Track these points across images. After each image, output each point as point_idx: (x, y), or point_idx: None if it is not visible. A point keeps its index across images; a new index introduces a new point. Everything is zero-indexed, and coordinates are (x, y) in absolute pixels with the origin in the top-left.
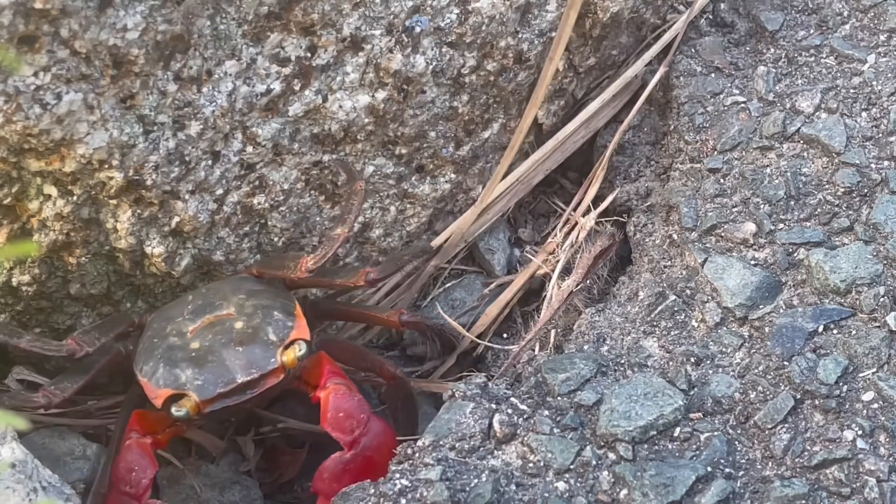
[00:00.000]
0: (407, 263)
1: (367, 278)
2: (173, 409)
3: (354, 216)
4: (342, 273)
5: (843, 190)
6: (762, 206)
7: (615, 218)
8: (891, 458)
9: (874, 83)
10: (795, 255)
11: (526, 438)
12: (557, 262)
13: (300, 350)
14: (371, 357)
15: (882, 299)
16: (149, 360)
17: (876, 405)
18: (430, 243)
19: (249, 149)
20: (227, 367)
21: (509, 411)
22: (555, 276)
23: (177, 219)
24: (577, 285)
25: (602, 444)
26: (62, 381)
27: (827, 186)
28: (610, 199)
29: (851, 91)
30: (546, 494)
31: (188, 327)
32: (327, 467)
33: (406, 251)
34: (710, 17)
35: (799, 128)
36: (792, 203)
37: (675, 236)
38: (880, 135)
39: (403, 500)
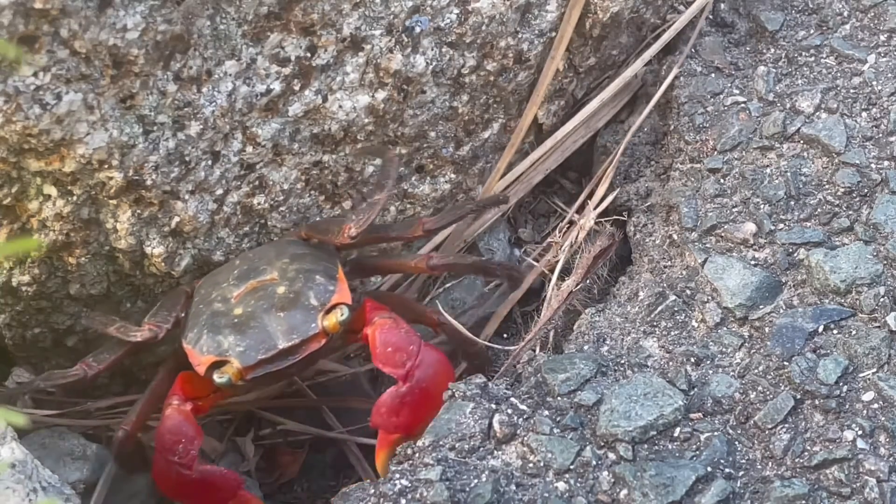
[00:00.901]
0: (466, 213)
1: (425, 228)
2: (216, 376)
3: (392, 181)
4: (397, 227)
5: (843, 190)
6: (762, 206)
7: (615, 218)
8: (891, 459)
9: (874, 83)
10: (795, 255)
11: (526, 438)
12: (557, 262)
13: (342, 315)
14: (415, 305)
15: (882, 299)
16: (194, 328)
17: (876, 405)
18: (501, 193)
19: (249, 149)
20: (269, 333)
21: (509, 411)
22: (555, 276)
23: (177, 219)
24: (577, 285)
25: (602, 444)
26: (101, 353)
27: (827, 186)
28: (610, 198)
29: (851, 91)
30: (546, 494)
31: (233, 293)
32: (384, 402)
33: (464, 202)
34: (711, 17)
35: (799, 128)
36: (792, 203)
37: (675, 236)
38: (880, 135)
39: (403, 500)
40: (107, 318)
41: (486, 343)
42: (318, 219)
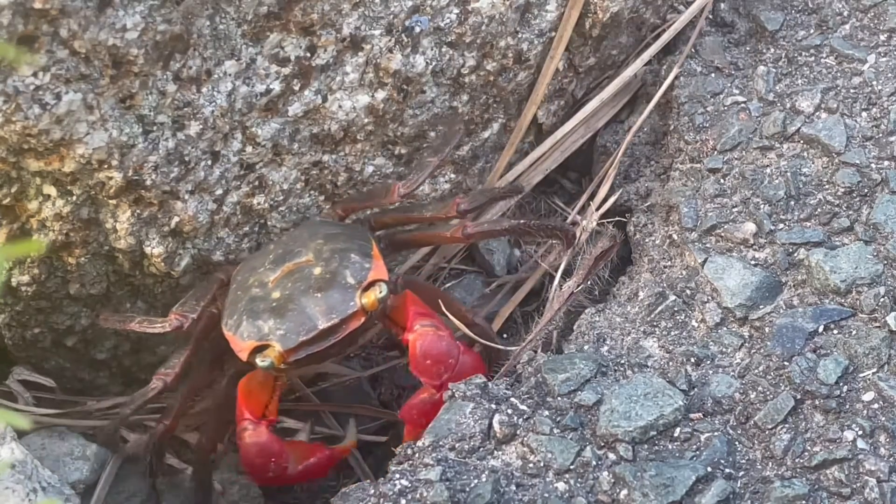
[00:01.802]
0: (499, 196)
1: (459, 209)
2: (258, 360)
3: (450, 148)
4: (431, 206)
5: (843, 190)
6: (762, 206)
7: (616, 219)
8: (891, 459)
9: (874, 83)
10: (795, 255)
11: (526, 439)
12: (559, 264)
13: (381, 292)
14: (452, 303)
15: (882, 299)
16: (233, 314)
17: (876, 405)
18: (521, 184)
19: (249, 149)
20: (308, 315)
21: (509, 411)
22: (557, 276)
23: (176, 219)
24: (579, 286)
25: (602, 444)
26: (170, 360)
27: (827, 186)
28: (612, 200)
29: (851, 91)
30: (546, 495)
31: (269, 277)
32: (416, 405)
33: (496, 187)
34: (710, 16)
35: (799, 128)
36: (792, 203)
37: (675, 236)
38: (880, 135)
39: (403, 501)
40: (123, 316)
41: (498, 346)
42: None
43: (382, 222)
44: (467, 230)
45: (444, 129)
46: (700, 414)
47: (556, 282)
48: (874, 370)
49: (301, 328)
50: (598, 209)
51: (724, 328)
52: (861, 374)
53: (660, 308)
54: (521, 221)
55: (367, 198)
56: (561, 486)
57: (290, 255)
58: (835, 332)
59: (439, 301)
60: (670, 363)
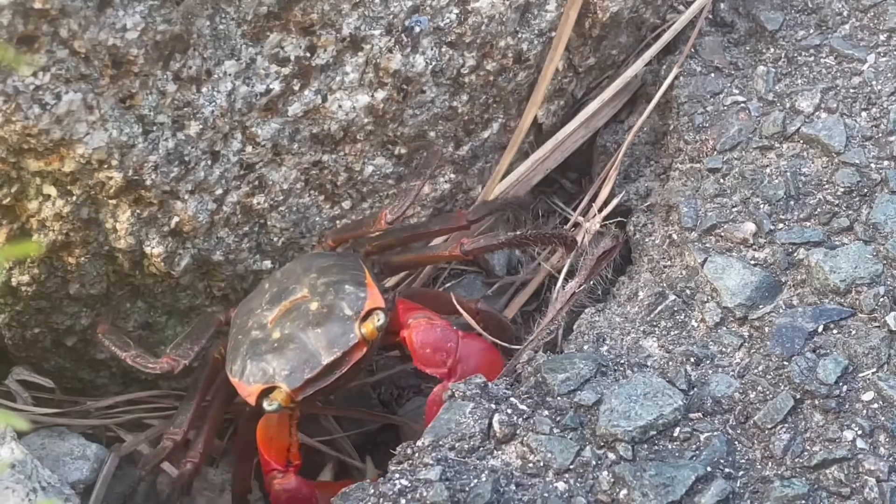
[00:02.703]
0: (503, 208)
1: (468, 219)
2: (265, 404)
3: (430, 170)
4: (437, 221)
5: (842, 190)
6: (762, 206)
7: (617, 219)
8: (891, 458)
9: (874, 83)
10: (795, 254)
11: (525, 438)
12: (562, 264)
13: (378, 320)
14: (449, 298)
15: (882, 299)
16: (236, 359)
17: (876, 405)
18: (523, 196)
19: (249, 149)
20: (311, 352)
21: (509, 411)
22: (561, 278)
23: (176, 219)
24: (581, 286)
25: (602, 444)
26: (177, 418)
27: (827, 186)
28: (615, 202)
29: (851, 91)
30: (546, 494)
31: (268, 318)
32: (435, 401)
33: (498, 199)
34: (710, 16)
35: (799, 127)
36: (792, 203)
37: (674, 236)
38: (880, 134)
39: (403, 500)
40: (122, 341)
41: (495, 342)
42: (338, 224)
43: (382, 246)
44: (465, 247)
45: (426, 154)
46: (700, 414)
47: (559, 283)
48: (874, 370)
49: (305, 366)
50: (600, 210)
51: (724, 328)
52: (861, 374)
53: (659, 308)
54: (518, 233)
55: (356, 227)
56: (561, 485)
57: (286, 293)
58: (834, 331)
59: (439, 301)
60: (670, 363)
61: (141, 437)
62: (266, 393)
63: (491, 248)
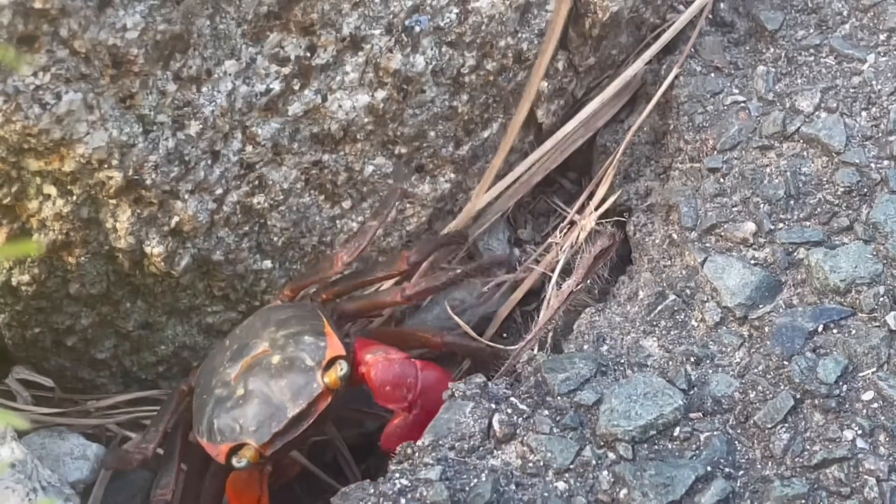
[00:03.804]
0: (444, 243)
1: (409, 261)
2: (234, 461)
3: (388, 211)
4: (380, 266)
5: (842, 189)
6: (762, 206)
7: (616, 219)
8: (890, 458)
9: (874, 83)
10: (795, 254)
11: (525, 438)
12: (557, 262)
13: (341, 369)
14: (411, 334)
15: (882, 299)
16: (202, 420)
17: (876, 405)
18: (463, 230)
19: (249, 148)
20: (276, 405)
21: (509, 411)
22: (555, 276)
23: (176, 218)
24: (578, 285)
25: (602, 443)
26: (161, 479)
27: (827, 186)
28: (612, 200)
29: (851, 90)
30: (546, 494)
31: (230, 375)
32: (393, 432)
33: (439, 236)
34: (710, 16)
35: (798, 127)
36: (792, 202)
37: (674, 236)
38: (880, 134)
39: (403, 500)
40: (126, 459)
41: (489, 344)
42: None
43: (334, 293)
44: (406, 292)
45: (384, 194)
46: (700, 413)
47: (553, 281)
48: (874, 369)
49: (272, 420)
50: (596, 209)
51: (724, 328)
52: (860, 374)
53: (659, 307)
54: (459, 271)
55: (312, 273)
56: (560, 485)
57: (247, 349)
58: (834, 331)
59: (402, 338)
60: (670, 363)
61: (137, 437)
62: (235, 450)
63: (433, 291)
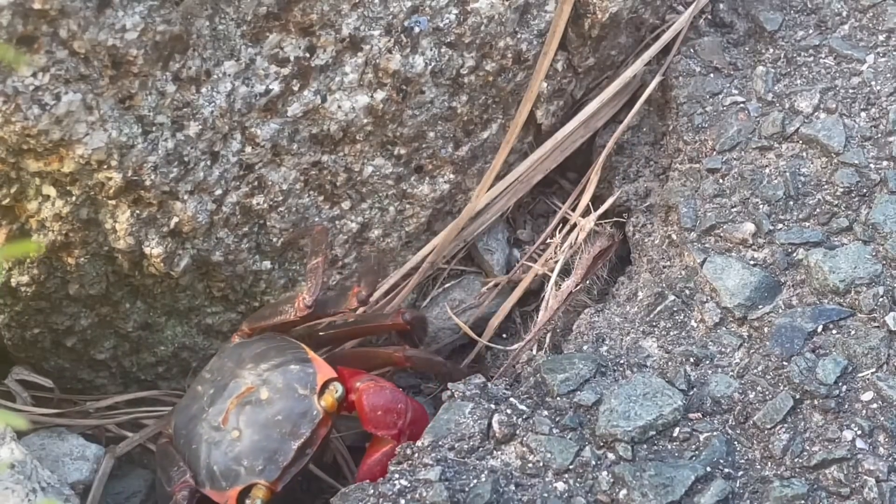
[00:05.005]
0: (374, 267)
1: (359, 298)
2: (248, 503)
3: (324, 247)
4: (332, 302)
5: (842, 190)
6: (761, 207)
7: (615, 219)
8: (890, 458)
9: (873, 83)
10: (794, 255)
11: (525, 438)
12: (556, 262)
13: (336, 392)
14: (378, 353)
15: (881, 299)
16: (202, 470)
17: (875, 405)
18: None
19: (248, 149)
20: (278, 440)
21: (508, 411)
22: (553, 276)
23: (176, 219)
24: (577, 286)
25: (601, 444)
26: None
27: (826, 186)
28: (610, 201)
29: (850, 91)
30: (545, 495)
31: (218, 419)
32: (380, 461)
33: (371, 260)
34: (709, 17)
35: (798, 128)
36: (791, 203)
37: (674, 236)
38: (879, 135)
39: (403, 501)
40: None
41: (484, 342)
42: (253, 312)
43: (295, 327)
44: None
45: (312, 236)
46: (699, 414)
47: (551, 281)
48: (873, 370)
49: (277, 455)
50: (594, 209)
51: (723, 328)
52: (860, 374)
53: (659, 308)
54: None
55: (273, 314)
56: (560, 485)
57: (227, 390)
58: (834, 332)
59: (367, 357)
60: (669, 363)
61: (136, 437)
62: (245, 492)
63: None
